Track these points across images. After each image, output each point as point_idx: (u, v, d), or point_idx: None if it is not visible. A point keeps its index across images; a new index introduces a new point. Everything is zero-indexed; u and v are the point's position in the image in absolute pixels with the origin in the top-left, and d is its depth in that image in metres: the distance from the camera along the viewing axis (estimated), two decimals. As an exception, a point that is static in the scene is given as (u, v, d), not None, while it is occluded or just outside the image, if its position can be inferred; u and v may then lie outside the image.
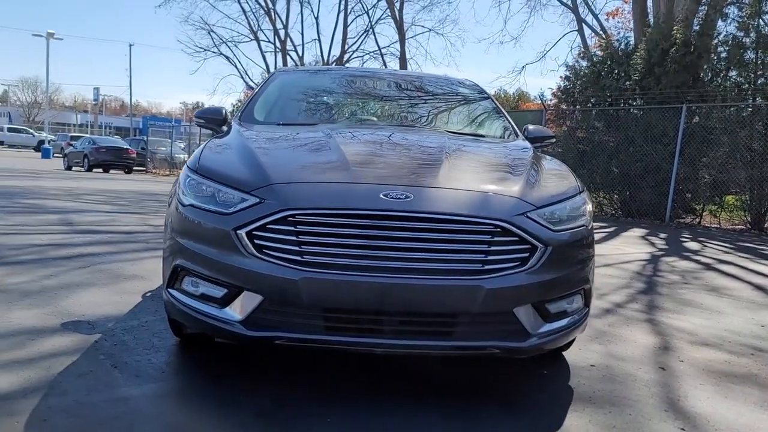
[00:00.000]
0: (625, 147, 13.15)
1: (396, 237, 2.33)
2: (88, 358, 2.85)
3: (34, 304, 3.65)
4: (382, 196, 2.37)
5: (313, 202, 2.38)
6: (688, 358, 3.36)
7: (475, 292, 2.32)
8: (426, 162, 2.76)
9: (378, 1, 29.53)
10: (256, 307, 2.38)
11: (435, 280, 2.31)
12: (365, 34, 31.25)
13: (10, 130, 52.01)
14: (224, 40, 31.44)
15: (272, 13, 30.91)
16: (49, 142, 41.85)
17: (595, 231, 2.87)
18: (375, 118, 3.94)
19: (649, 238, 9.64)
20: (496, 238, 2.38)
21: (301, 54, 32.95)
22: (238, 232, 2.37)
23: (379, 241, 2.32)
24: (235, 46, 32.15)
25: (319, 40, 34.10)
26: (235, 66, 31.84)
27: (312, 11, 33.34)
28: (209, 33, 31.38)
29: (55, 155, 35.83)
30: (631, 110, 14.00)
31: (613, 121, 13.80)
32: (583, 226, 2.66)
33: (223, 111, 3.77)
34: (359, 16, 31.11)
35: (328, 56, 32.25)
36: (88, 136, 32.30)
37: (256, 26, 31.42)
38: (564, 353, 3.23)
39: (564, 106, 16.11)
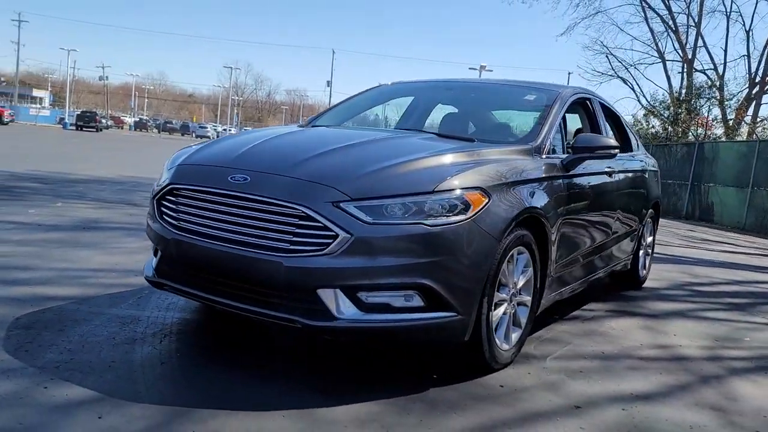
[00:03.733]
0: None
1: (229, 212, 2.81)
2: (139, 291, 3.94)
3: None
4: (229, 178, 2.86)
5: (185, 179, 3.02)
6: (640, 412, 2.80)
7: (277, 268, 2.64)
8: (308, 154, 3.02)
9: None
10: (159, 259, 3.13)
11: (250, 252, 2.70)
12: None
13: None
14: (626, 64, 30.67)
15: (680, 32, 28.99)
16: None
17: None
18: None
19: None
20: (301, 222, 2.65)
21: (721, 73, 29.80)
22: (154, 200, 3.15)
23: (219, 214, 2.84)
24: (635, 68, 30.84)
25: (748, 56, 30.15)
26: (632, 88, 30.74)
27: (743, 25, 29.31)
28: (607, 57, 31.04)
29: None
30: None
31: None
32: (419, 223, 2.64)
33: None
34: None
35: (754, 74, 28.64)
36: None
37: (664, 47, 29.95)
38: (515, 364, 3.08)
39: None
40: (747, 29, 29.17)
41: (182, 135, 71.39)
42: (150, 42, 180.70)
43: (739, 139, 24.97)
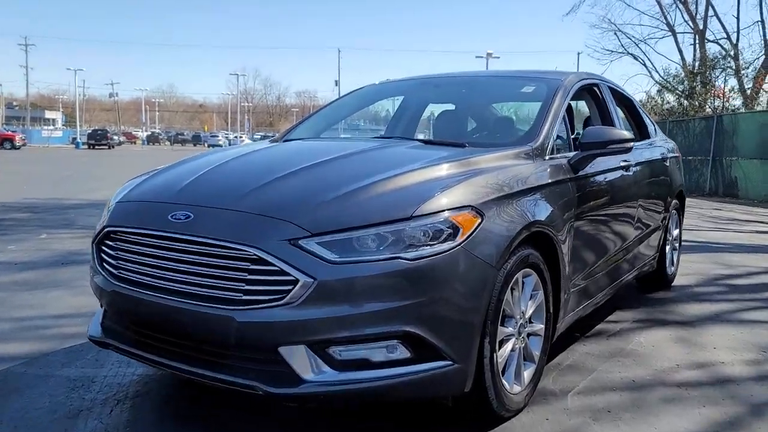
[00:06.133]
0: None
1: (172, 258, 2.34)
2: (101, 340, 3.48)
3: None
4: (170, 217, 2.38)
5: (121, 221, 2.56)
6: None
7: (228, 324, 2.17)
8: (264, 180, 2.53)
9: None
10: (102, 315, 2.67)
11: (197, 306, 2.23)
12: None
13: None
14: (635, 40, 29.46)
15: (689, 2, 27.86)
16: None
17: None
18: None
19: None
20: (254, 267, 2.17)
21: (735, 42, 28.62)
22: (93, 245, 2.69)
23: (161, 260, 2.37)
24: (645, 43, 29.63)
25: (762, 22, 28.74)
26: (644, 64, 29.56)
27: (757, -13, 27.89)
28: (615, 34, 29.93)
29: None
30: None
31: None
32: (396, 257, 2.15)
33: None
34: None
35: (769, 43, 27.48)
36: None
37: (673, 20, 28.80)
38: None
39: None
40: (760, -7, 27.96)
41: (194, 145, 71.64)
42: (157, 55, 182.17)
43: (759, 108, 24.00)
